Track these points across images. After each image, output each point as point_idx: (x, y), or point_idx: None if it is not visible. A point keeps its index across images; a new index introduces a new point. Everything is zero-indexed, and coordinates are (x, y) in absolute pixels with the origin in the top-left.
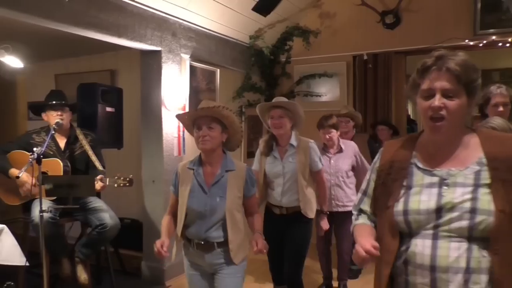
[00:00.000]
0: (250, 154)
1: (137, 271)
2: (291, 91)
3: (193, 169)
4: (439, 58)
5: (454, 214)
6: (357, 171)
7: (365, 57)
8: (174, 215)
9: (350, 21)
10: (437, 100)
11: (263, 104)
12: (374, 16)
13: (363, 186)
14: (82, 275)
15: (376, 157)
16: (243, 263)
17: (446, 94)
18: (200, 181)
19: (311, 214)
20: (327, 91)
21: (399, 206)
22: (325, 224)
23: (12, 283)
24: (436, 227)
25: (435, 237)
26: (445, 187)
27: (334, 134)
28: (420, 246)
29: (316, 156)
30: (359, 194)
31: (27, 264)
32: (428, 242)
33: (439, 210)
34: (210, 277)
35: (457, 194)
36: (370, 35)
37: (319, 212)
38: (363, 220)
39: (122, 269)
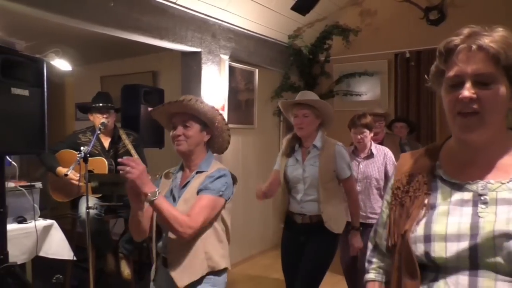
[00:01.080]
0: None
1: None
2: (330, 91)
3: (174, 173)
4: (469, 35)
5: (498, 242)
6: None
7: (408, 55)
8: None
9: (392, 18)
10: (467, 90)
11: (285, 101)
12: (417, 13)
13: (380, 216)
14: (126, 270)
15: (391, 175)
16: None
17: (479, 81)
18: (174, 186)
19: (337, 229)
20: (368, 90)
21: (419, 230)
22: (357, 242)
23: (61, 276)
24: (473, 258)
25: (473, 273)
26: (482, 206)
27: (367, 134)
28: (453, 284)
29: (343, 162)
30: (375, 226)
31: (75, 258)
32: (464, 280)
33: (475, 237)
34: None
35: (500, 216)
36: (413, 32)
37: (350, 227)
38: (373, 275)
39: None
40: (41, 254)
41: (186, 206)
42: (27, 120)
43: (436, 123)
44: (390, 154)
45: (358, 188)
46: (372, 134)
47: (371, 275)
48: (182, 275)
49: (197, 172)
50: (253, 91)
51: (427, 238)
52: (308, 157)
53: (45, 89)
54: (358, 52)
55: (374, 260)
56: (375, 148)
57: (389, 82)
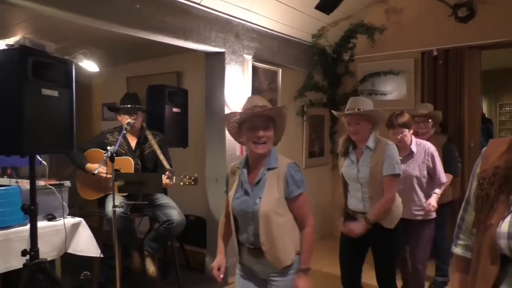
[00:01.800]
0: (312, 154)
1: (201, 266)
2: (354, 90)
3: (240, 169)
4: None
5: None
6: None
7: (435, 53)
8: (229, 217)
9: (419, 16)
10: None
11: (338, 113)
12: (446, 10)
13: (466, 194)
14: (151, 268)
15: (478, 159)
16: (293, 270)
17: None
18: (244, 182)
19: (388, 224)
20: (393, 90)
21: (504, 227)
22: (356, 227)
23: (89, 273)
24: None
25: None
26: None
27: (406, 133)
28: None
29: (389, 160)
30: (463, 203)
31: (102, 255)
32: None
33: None
34: (263, 284)
35: None
36: (441, 29)
37: (405, 223)
38: (460, 250)
39: (187, 264)
40: (70, 251)
41: (271, 203)
42: (57, 120)
43: (464, 123)
44: (431, 149)
45: (400, 187)
46: (411, 132)
47: (458, 250)
48: (278, 260)
49: (268, 169)
50: (276, 91)
51: (511, 236)
52: (362, 158)
53: (74, 90)
54: (383, 50)
55: (461, 236)
56: (416, 145)
57: (415, 81)
